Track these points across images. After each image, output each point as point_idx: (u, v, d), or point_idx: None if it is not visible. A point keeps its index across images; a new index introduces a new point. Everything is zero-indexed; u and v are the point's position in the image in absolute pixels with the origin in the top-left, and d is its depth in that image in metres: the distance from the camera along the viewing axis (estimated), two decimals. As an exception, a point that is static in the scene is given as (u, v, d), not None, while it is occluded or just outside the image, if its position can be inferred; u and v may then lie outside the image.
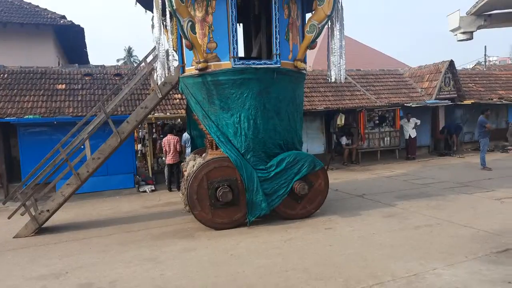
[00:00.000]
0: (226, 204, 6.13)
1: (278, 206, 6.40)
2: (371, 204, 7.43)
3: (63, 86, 11.04)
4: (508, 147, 14.72)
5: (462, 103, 14.63)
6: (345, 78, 7.38)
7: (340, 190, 8.89)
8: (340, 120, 13.04)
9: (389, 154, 14.08)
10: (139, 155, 11.80)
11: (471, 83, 16.06)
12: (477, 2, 2.56)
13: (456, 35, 2.87)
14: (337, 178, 10.55)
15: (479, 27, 2.75)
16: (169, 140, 9.94)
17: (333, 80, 6.97)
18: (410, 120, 13.72)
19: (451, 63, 14.28)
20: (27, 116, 9.60)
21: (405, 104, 13.66)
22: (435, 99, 14.04)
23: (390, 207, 7.16)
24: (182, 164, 8.48)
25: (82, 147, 7.13)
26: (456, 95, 14.58)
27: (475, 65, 25.57)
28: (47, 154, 6.78)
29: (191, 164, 6.91)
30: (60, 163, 6.91)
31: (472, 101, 14.54)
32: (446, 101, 14.22)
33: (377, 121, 13.86)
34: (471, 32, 2.78)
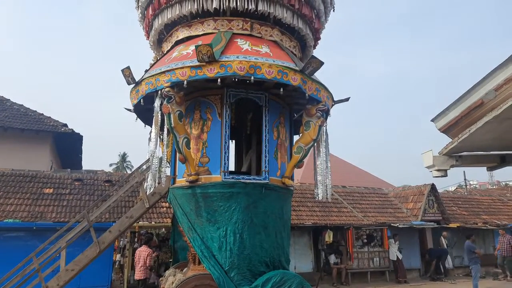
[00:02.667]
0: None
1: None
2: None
3: (51, 190, 11.01)
4: (500, 276, 14.31)
5: (448, 226, 14.75)
6: (332, 195, 7.58)
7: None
8: (329, 237, 12.86)
9: (380, 276, 13.50)
10: (116, 266, 11.13)
11: (454, 207, 16.47)
12: (446, 145, 2.90)
13: (431, 171, 3.16)
14: (326, 301, 9.87)
15: (452, 166, 3.05)
16: (140, 252, 9.31)
17: (320, 198, 7.14)
18: (396, 242, 13.62)
19: (433, 186, 14.87)
20: (6, 220, 9.31)
21: (392, 224, 13.70)
22: (421, 220, 14.18)
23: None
24: (160, 279, 7.97)
25: (58, 256, 6.78)
26: (441, 218, 14.79)
27: (457, 187, 26.57)
28: (19, 263, 6.39)
29: (170, 281, 6.52)
30: (30, 273, 6.46)
31: (458, 225, 14.69)
32: (432, 223, 14.35)
33: (365, 240, 13.68)
34: (445, 170, 3.06)
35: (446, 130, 3.02)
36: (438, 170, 3.15)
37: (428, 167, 3.20)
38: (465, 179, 24.49)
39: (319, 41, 8.13)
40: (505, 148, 3.17)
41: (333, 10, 7.96)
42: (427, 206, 14.66)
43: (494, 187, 30.81)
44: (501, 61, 2.23)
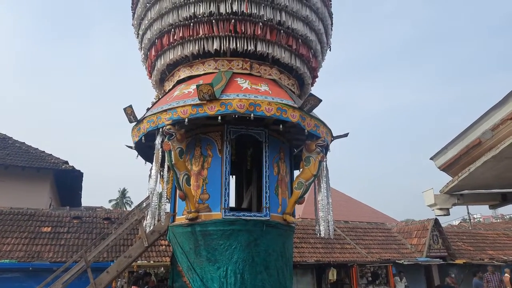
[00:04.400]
0: None
1: None
2: None
3: (49, 229, 10.82)
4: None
5: (454, 262, 14.36)
6: (334, 231, 7.47)
7: None
8: (332, 275, 12.47)
9: (387, 317, 12.95)
10: (113, 308, 10.71)
11: (459, 242, 16.12)
12: (447, 184, 2.90)
13: (433, 210, 3.13)
14: None
15: (454, 205, 3.03)
16: None
17: (322, 235, 7.02)
18: (403, 280, 13.19)
19: (436, 221, 14.63)
20: (2, 260, 9.08)
21: (397, 261, 13.34)
22: (426, 256, 13.82)
23: None
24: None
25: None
26: (446, 254, 14.43)
27: (461, 222, 26.12)
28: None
29: (170, 324, 6.27)
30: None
31: (464, 261, 14.30)
32: (438, 259, 13.98)
33: (370, 278, 13.25)
34: (448, 209, 3.04)
35: (445, 168, 3.03)
36: (440, 209, 3.12)
37: (430, 206, 3.18)
38: (468, 213, 24.15)
39: (316, 79, 8.34)
40: (506, 186, 3.16)
41: (330, 50, 8.23)
42: (432, 242, 14.34)
43: (498, 220, 30.31)
44: (496, 102, 2.29)
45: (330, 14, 8.02)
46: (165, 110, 6.32)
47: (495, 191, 3.24)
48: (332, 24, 8.18)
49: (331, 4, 8.03)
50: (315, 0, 7.38)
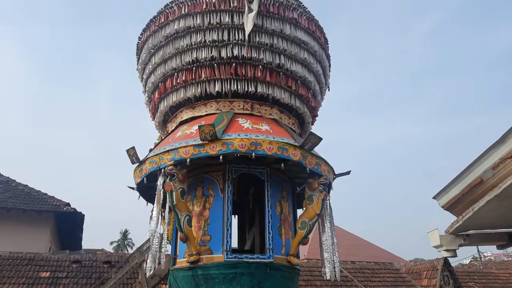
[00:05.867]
0: None
1: None
2: None
3: (47, 274, 10.56)
4: None
5: (468, 303, 13.73)
6: (341, 272, 7.23)
7: None
8: (340, 320, 11.91)
9: None
10: None
11: (471, 282, 15.51)
12: (452, 224, 2.84)
13: (439, 251, 3.05)
14: None
15: (460, 245, 2.95)
16: None
17: (328, 277, 6.78)
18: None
19: (446, 260, 14.15)
20: (-3, 308, 8.78)
21: (408, 303, 12.77)
22: (438, 298, 13.24)
23: None
24: None
25: None
26: (459, 295, 13.83)
27: (471, 260, 25.26)
28: None
29: None
30: None
31: (478, 302, 13.69)
32: (450, 300, 13.39)
33: (381, 323, 12.63)
34: (454, 250, 2.96)
35: (449, 207, 2.99)
36: (447, 250, 3.04)
37: (435, 247, 3.10)
38: (478, 251, 23.44)
39: (317, 118, 8.45)
40: (512, 226, 3.10)
41: (328, 90, 8.42)
42: (443, 282, 13.78)
43: (510, 259, 29.32)
44: (495, 140, 2.30)
45: (328, 57, 8.29)
46: (168, 151, 6.37)
47: (502, 231, 3.16)
48: (330, 65, 8.43)
49: (328, 47, 8.32)
50: (313, 43, 7.66)
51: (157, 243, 6.60)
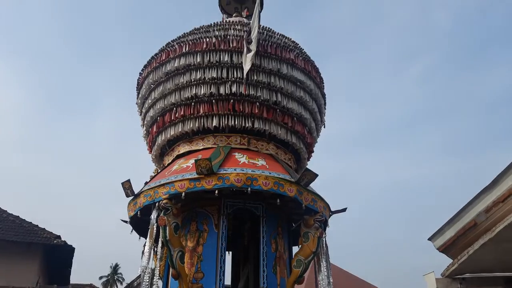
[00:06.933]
0: None
1: None
2: None
3: (32, 310, 10.14)
4: None
5: None
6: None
7: None
8: None
9: None
10: None
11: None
12: (448, 267, 2.82)
13: (436, 294, 3.03)
14: None
15: (456, 291, 2.94)
16: None
17: (324, 320, 6.57)
18: None
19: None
20: None
21: None
22: None
23: None
24: None
25: None
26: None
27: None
28: None
29: None
30: None
31: None
32: None
33: None
34: (449, 302, 2.93)
35: (444, 250, 2.97)
36: (442, 297, 2.99)
37: (431, 290, 3.05)
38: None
39: (312, 154, 8.54)
40: (508, 270, 3.06)
41: (324, 127, 8.58)
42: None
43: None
44: (487, 183, 2.34)
45: (323, 95, 8.51)
46: (163, 184, 6.36)
47: (498, 275, 3.13)
48: (325, 103, 8.64)
49: (323, 86, 8.56)
50: (309, 82, 7.88)
51: (148, 279, 6.42)
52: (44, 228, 13.77)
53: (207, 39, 7.42)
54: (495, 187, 2.32)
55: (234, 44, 7.31)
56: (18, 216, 14.31)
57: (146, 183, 7.32)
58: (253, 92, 7.14)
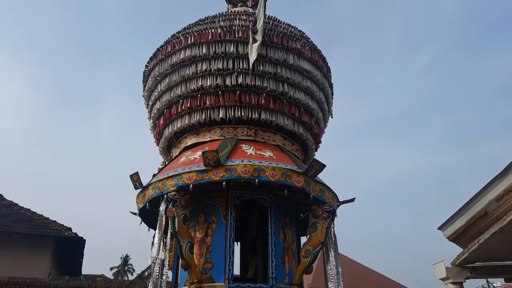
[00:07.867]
0: None
1: None
2: None
3: (45, 300, 10.36)
4: None
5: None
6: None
7: None
8: None
9: None
10: None
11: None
12: (458, 256, 2.79)
13: (446, 284, 2.97)
14: None
15: (467, 278, 2.88)
16: None
17: (332, 308, 6.61)
18: None
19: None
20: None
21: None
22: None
23: None
24: None
25: None
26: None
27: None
28: None
29: None
30: None
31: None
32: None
33: None
34: (461, 283, 2.88)
35: (454, 239, 2.95)
36: (453, 283, 2.97)
37: (442, 279, 3.03)
38: (487, 281, 22.77)
39: (320, 144, 8.49)
40: (520, 258, 3.02)
41: (331, 117, 8.51)
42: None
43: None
44: (499, 171, 2.30)
45: (331, 85, 8.43)
46: (171, 176, 6.39)
47: (509, 263, 3.10)
48: (332, 93, 8.55)
49: (331, 75, 8.47)
50: (316, 72, 7.80)
51: (158, 270, 6.50)
52: (55, 221, 14.00)
53: (213, 30, 7.36)
54: (507, 175, 2.29)
55: (240, 35, 7.24)
56: (29, 209, 14.55)
57: (154, 175, 7.37)
58: (259, 83, 7.10)
